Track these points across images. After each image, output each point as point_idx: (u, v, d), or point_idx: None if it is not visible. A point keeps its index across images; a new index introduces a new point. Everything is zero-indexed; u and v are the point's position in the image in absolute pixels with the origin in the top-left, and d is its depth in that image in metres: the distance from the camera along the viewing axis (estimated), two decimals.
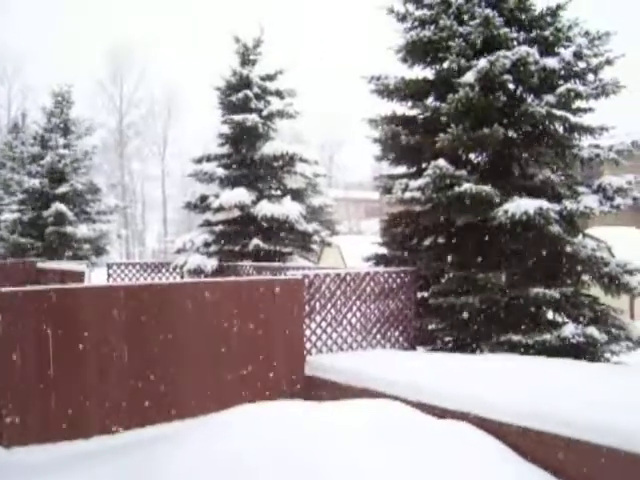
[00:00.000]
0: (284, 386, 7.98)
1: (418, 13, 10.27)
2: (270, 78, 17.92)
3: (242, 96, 16.96)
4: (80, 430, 6.75)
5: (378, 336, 9.11)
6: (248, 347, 7.82)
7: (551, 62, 9.18)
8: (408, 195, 9.27)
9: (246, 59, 17.79)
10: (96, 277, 20.32)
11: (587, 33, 9.63)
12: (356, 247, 20.64)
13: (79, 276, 15.98)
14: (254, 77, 17.50)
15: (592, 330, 8.63)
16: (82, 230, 26.01)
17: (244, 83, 17.36)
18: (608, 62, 9.51)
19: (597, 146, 9.85)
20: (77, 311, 6.89)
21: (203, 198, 17.32)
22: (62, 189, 25.97)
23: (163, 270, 17.72)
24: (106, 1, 72.02)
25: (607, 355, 9.16)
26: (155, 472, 5.11)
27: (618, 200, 9.25)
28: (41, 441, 6.53)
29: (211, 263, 15.81)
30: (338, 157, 68.78)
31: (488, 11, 9.24)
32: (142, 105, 59.44)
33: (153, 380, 7.21)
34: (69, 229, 25.38)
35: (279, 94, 17.88)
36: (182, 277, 16.52)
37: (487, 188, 8.82)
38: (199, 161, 17.84)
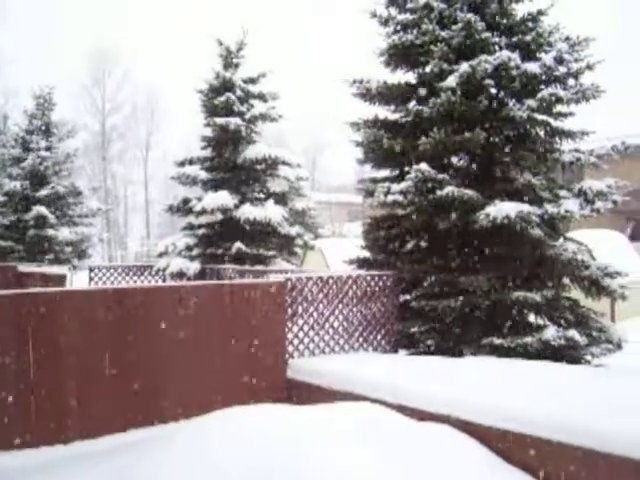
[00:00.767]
0: (266, 390, 7.97)
1: (401, 17, 10.32)
2: (253, 81, 17.88)
3: (225, 99, 16.91)
4: (61, 435, 6.70)
5: (360, 339, 9.12)
6: (230, 351, 7.81)
7: (532, 67, 9.24)
8: (390, 198, 9.30)
9: (229, 62, 17.74)
10: (78, 280, 20.21)
11: (568, 38, 9.71)
12: (339, 250, 20.67)
13: (61, 279, 15.85)
14: (237, 80, 17.46)
15: (573, 333, 8.70)
16: (64, 233, 25.77)
17: (227, 86, 17.31)
18: (588, 67, 9.60)
19: (578, 150, 9.95)
20: (58, 315, 6.83)
21: (185, 201, 17.23)
22: (43, 192, 25.73)
23: (145, 273, 17.61)
24: (89, 3, 71.52)
25: (588, 357, 9.22)
26: (136, 478, 5.08)
27: (598, 204, 9.33)
28: (22, 446, 6.48)
29: (193, 266, 15.74)
30: (321, 160, 68.93)
31: (470, 16, 9.30)
32: (125, 108, 59.26)
33: (135, 384, 7.17)
34: (50, 232, 25.14)
35: (262, 97, 17.84)
36: (164, 280, 16.45)
37: (469, 192, 8.86)
38: (182, 164, 17.77)
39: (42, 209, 25.13)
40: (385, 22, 10.40)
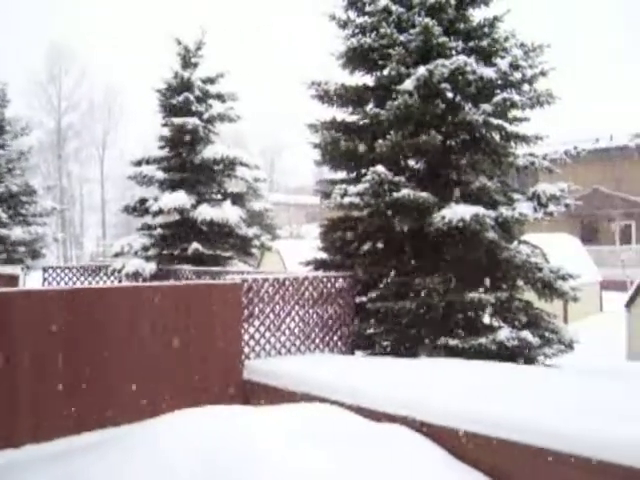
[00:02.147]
0: (222, 391, 7.93)
1: (359, 20, 10.38)
2: (211, 81, 17.81)
3: (183, 99, 16.82)
4: (11, 439, 6.57)
5: (317, 340, 9.14)
6: (185, 352, 7.75)
7: (488, 72, 9.36)
8: (347, 200, 9.33)
9: (187, 61, 17.64)
10: (31, 281, 19.87)
11: (522, 45, 9.87)
12: (297, 252, 20.65)
13: (13, 280, 15.58)
14: (195, 80, 17.37)
15: (526, 334, 8.83)
16: (16, 233, 25.32)
17: (185, 86, 17.21)
18: (542, 73, 9.78)
19: (532, 154, 10.11)
20: (8, 315, 6.71)
21: (142, 201, 17.09)
22: None
23: (101, 274, 17.41)
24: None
25: (541, 358, 9.38)
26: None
27: (551, 207, 9.50)
28: None
29: (150, 267, 15.60)
30: (280, 161, 68.97)
31: (428, 20, 9.38)
32: (81, 106, 58.46)
33: (87, 386, 7.07)
34: (3, 231, 24.69)
35: (220, 97, 17.78)
36: (120, 281, 16.27)
37: (425, 194, 8.95)
38: (138, 164, 17.60)
39: None
40: (344, 25, 10.45)
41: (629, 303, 15.22)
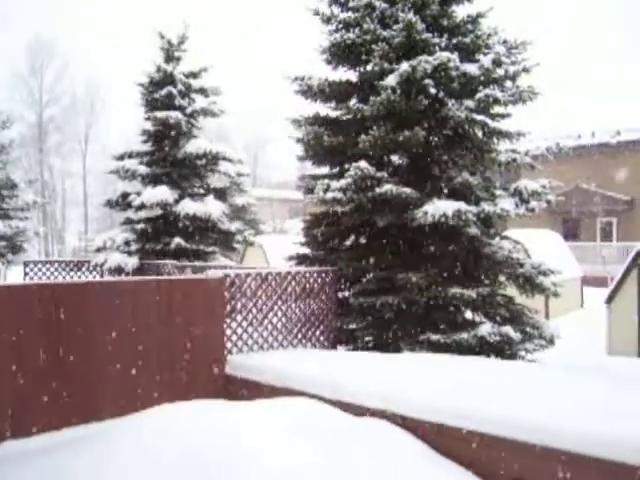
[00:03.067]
0: (204, 386, 7.92)
1: (343, 16, 10.37)
2: (194, 75, 17.76)
3: (166, 93, 16.77)
4: None
5: (299, 335, 9.15)
6: (167, 347, 7.73)
7: (471, 68, 9.38)
8: (330, 195, 9.33)
9: (170, 56, 17.58)
10: (12, 276, 19.75)
11: (505, 41, 9.92)
12: (280, 247, 20.68)
13: None
14: (178, 74, 17.31)
15: (507, 329, 8.90)
16: None
17: (168, 80, 17.15)
18: (525, 70, 9.84)
19: (514, 150, 10.16)
20: None
21: (124, 196, 17.02)
22: None
23: (83, 269, 17.36)
24: None
25: (522, 353, 9.45)
26: (77, 475, 5.00)
27: (533, 203, 9.55)
28: None
29: (132, 262, 15.56)
30: (264, 156, 68.79)
31: (411, 16, 9.38)
32: (63, 100, 57.98)
33: (70, 381, 7.03)
34: None
35: (203, 92, 17.73)
36: (102, 276, 16.22)
37: (407, 190, 8.97)
38: (121, 158, 17.53)
39: None
40: (327, 20, 10.44)
41: (609, 299, 15.35)
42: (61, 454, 5.57)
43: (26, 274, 16.56)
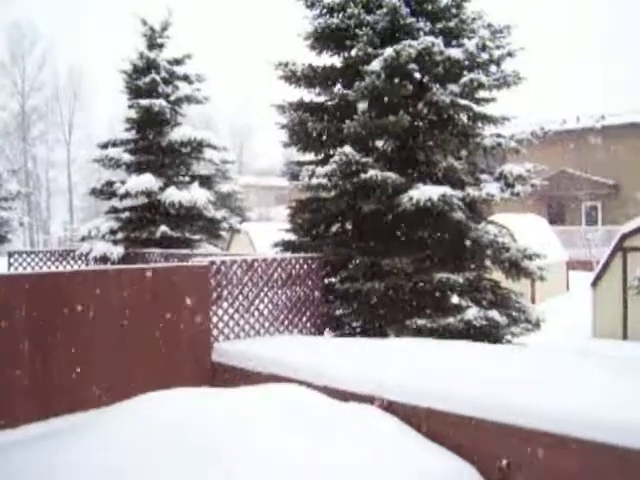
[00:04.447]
0: (191, 374, 7.90)
1: (327, 0, 10.29)
2: (178, 62, 17.59)
3: (149, 80, 16.60)
4: None
5: (286, 322, 9.14)
6: (153, 335, 7.71)
7: (455, 53, 9.36)
8: (315, 182, 9.31)
9: (153, 42, 17.38)
10: None
11: (490, 25, 9.90)
12: (266, 234, 20.63)
13: None
14: (161, 61, 17.14)
15: (494, 313, 8.92)
16: None
17: (151, 67, 16.98)
18: (509, 54, 9.83)
19: (499, 135, 10.16)
20: None
21: (109, 184, 16.88)
22: None
23: (68, 258, 17.21)
24: None
25: (508, 337, 9.48)
26: (68, 463, 4.97)
27: (518, 187, 9.57)
28: None
29: (117, 251, 15.47)
30: (249, 143, 68.47)
31: (395, 1, 9.34)
32: (46, 88, 57.44)
33: (55, 370, 7.00)
34: None
35: (187, 79, 17.57)
36: (88, 265, 16.11)
37: (392, 175, 8.96)
38: (105, 146, 17.36)
39: None
40: (311, 5, 10.37)
41: (594, 282, 15.46)
42: (52, 443, 5.52)
43: (10, 264, 16.42)
